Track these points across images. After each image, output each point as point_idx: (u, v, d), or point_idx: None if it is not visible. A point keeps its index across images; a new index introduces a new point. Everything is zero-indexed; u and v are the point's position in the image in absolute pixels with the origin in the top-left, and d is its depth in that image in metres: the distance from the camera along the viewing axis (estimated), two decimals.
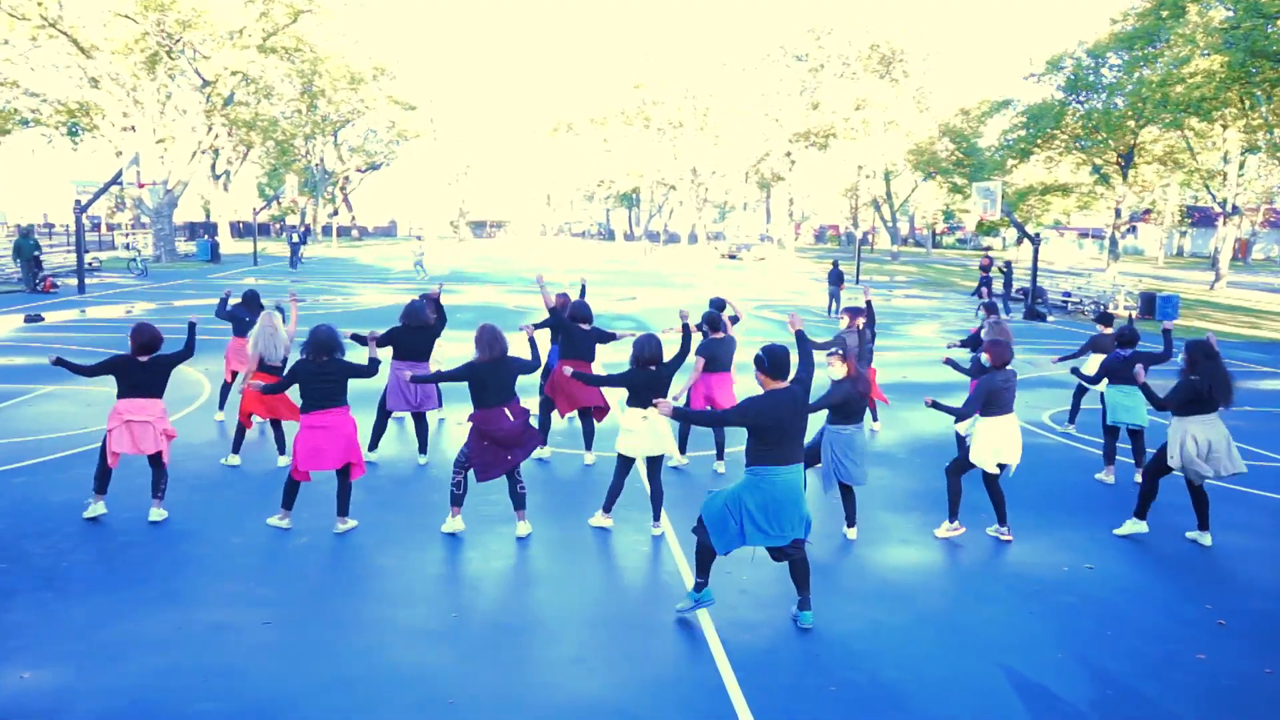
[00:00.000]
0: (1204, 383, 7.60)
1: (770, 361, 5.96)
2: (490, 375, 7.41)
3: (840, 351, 7.71)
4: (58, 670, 5.38)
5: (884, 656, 5.84)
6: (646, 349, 7.65)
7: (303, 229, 50.28)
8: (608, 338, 10.06)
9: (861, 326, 9.90)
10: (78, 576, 6.67)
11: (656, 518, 7.89)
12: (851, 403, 7.64)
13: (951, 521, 7.95)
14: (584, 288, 11.73)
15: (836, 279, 26.38)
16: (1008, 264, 30.30)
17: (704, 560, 6.17)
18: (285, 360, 9.24)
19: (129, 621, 6.00)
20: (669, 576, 7.07)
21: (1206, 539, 7.94)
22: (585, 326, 9.80)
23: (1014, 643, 6.08)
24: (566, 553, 7.47)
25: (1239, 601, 6.81)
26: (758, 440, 5.91)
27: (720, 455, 9.85)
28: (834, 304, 26.18)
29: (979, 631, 6.23)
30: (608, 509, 7.93)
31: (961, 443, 8.75)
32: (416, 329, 9.70)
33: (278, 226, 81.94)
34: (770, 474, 5.89)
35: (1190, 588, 7.08)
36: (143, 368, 7.71)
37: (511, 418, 7.44)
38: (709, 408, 9.38)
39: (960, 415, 7.90)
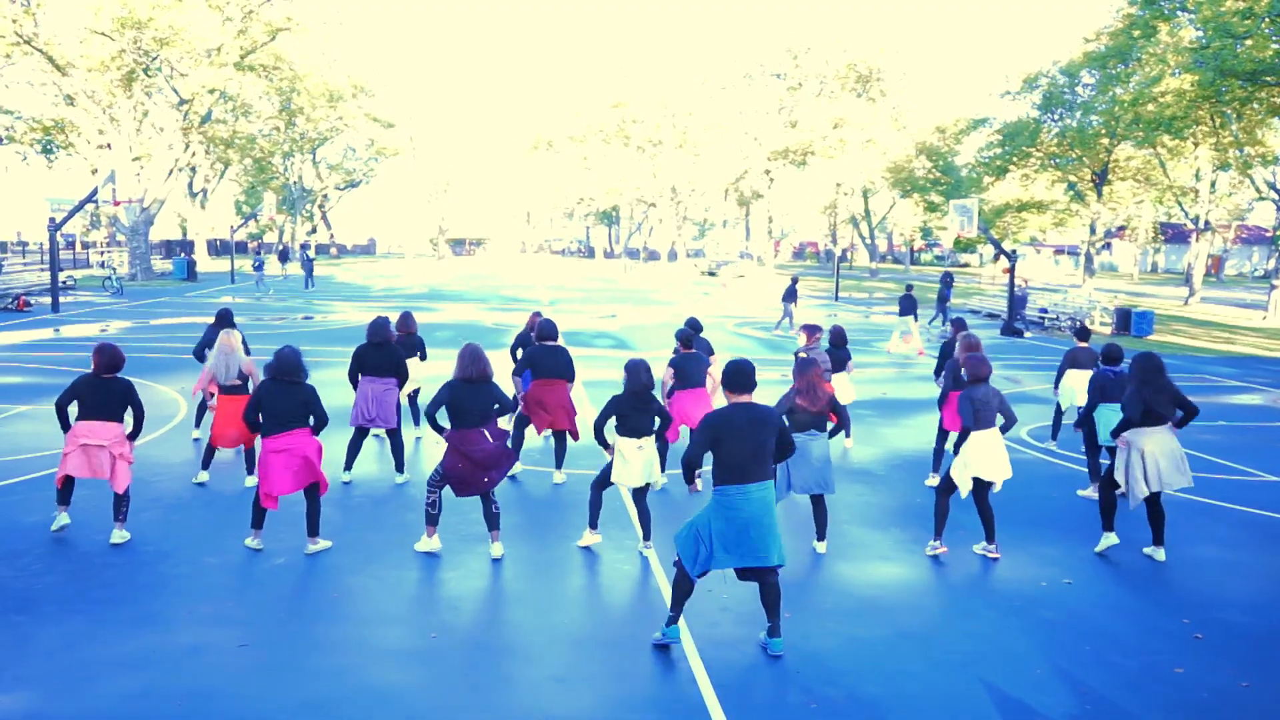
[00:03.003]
0: (1147, 394, 7.76)
1: (728, 375, 5.98)
2: (469, 396, 7.36)
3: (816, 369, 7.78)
4: (29, 694, 5.29)
5: (863, 673, 5.84)
6: (639, 377, 7.61)
7: (300, 246, 50.46)
8: (569, 369, 9.77)
9: (819, 344, 10.06)
10: (50, 598, 6.57)
11: (647, 537, 7.86)
12: (796, 411, 7.69)
13: (936, 539, 7.95)
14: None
15: (790, 296, 26.55)
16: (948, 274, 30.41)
17: (679, 594, 6.06)
18: (245, 379, 9.17)
19: (103, 643, 5.91)
20: (649, 595, 7.05)
21: (1160, 554, 7.98)
22: (550, 344, 9.77)
23: (993, 657, 6.09)
24: (545, 572, 7.43)
25: (1215, 615, 6.86)
26: (717, 458, 5.90)
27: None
28: (786, 319, 26.25)
29: (958, 647, 6.24)
30: (593, 525, 7.87)
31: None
32: (379, 345, 9.69)
33: (255, 245, 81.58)
34: (733, 493, 5.83)
35: (1167, 602, 7.13)
36: (104, 387, 7.57)
37: (491, 439, 7.40)
38: (684, 426, 9.59)
39: (963, 434, 7.85)
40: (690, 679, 5.70)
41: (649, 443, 7.64)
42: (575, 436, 9.75)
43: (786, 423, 6.04)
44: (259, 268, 38.52)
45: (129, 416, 7.75)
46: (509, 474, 9.85)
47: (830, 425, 7.97)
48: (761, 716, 5.29)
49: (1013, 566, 7.75)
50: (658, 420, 7.74)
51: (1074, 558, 7.98)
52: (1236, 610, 6.97)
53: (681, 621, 6.35)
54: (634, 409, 7.60)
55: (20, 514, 8.31)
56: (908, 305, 23.23)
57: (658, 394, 8.61)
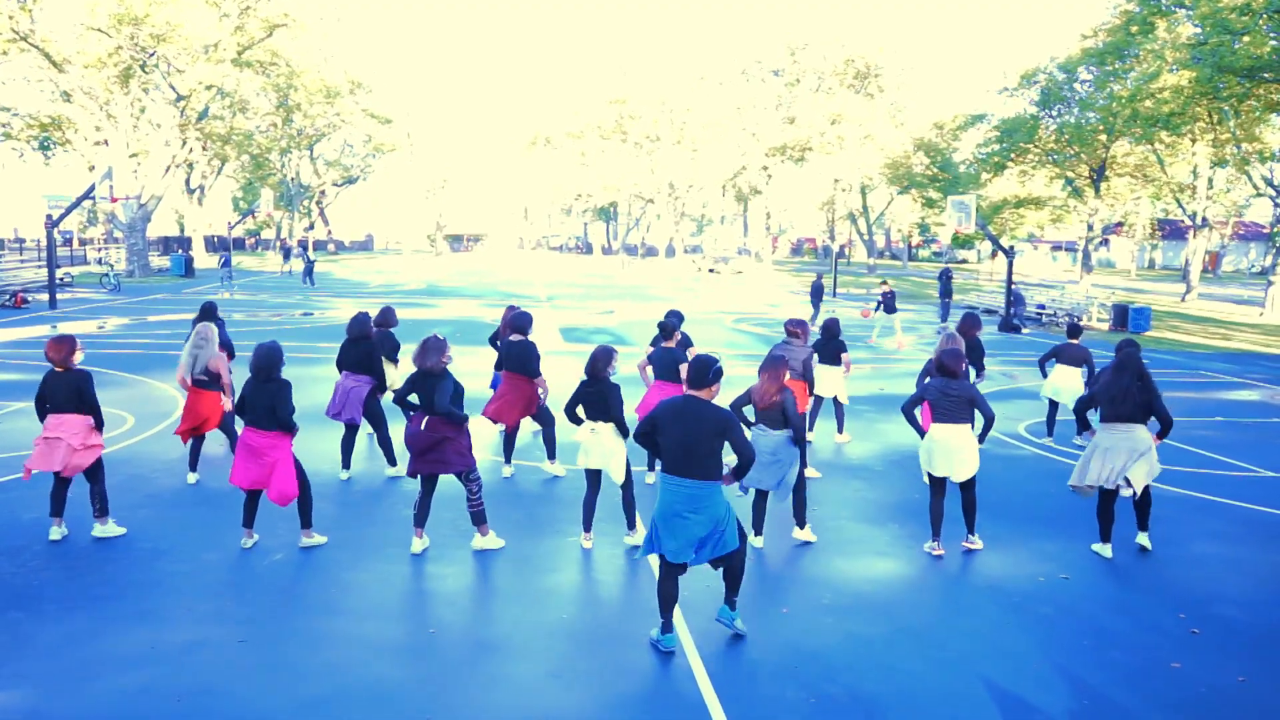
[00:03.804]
0: (1116, 385, 7.80)
1: (689, 369, 6.01)
2: (419, 383, 7.46)
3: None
4: (28, 691, 5.29)
5: (862, 669, 5.85)
6: (591, 363, 7.73)
7: (298, 243, 50.79)
8: (530, 363, 9.61)
9: (804, 339, 10.09)
10: (49, 595, 6.57)
11: (630, 526, 7.90)
12: (749, 405, 7.73)
13: (933, 539, 7.96)
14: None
15: (818, 293, 26.59)
16: (946, 270, 30.48)
17: (662, 599, 6.02)
18: (209, 374, 9.13)
19: (102, 641, 5.92)
20: (645, 589, 7.05)
21: (1144, 539, 8.06)
22: (515, 338, 9.72)
23: (992, 654, 6.10)
24: (541, 567, 7.44)
25: (1211, 610, 6.87)
26: (660, 446, 5.93)
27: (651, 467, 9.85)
28: (815, 316, 26.35)
29: (957, 642, 6.25)
30: (586, 528, 7.89)
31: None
32: (357, 340, 9.74)
33: (252, 240, 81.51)
34: (664, 481, 5.90)
35: (1164, 597, 7.14)
36: (60, 381, 7.51)
37: (423, 428, 7.37)
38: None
39: (907, 402, 8.01)
40: (689, 675, 5.70)
41: (603, 428, 7.69)
42: (513, 428, 9.80)
43: (744, 431, 5.91)
44: (225, 263, 38.71)
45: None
46: (505, 476, 9.87)
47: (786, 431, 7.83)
48: (760, 713, 5.30)
49: (1010, 562, 7.76)
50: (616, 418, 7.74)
51: (1071, 554, 7.99)
52: (1233, 605, 6.98)
53: (680, 616, 6.37)
54: (588, 394, 7.73)
55: (19, 510, 8.31)
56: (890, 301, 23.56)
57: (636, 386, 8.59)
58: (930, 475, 7.98)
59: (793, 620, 6.45)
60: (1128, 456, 7.69)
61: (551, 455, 9.97)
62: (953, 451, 7.74)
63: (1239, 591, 7.28)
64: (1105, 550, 7.96)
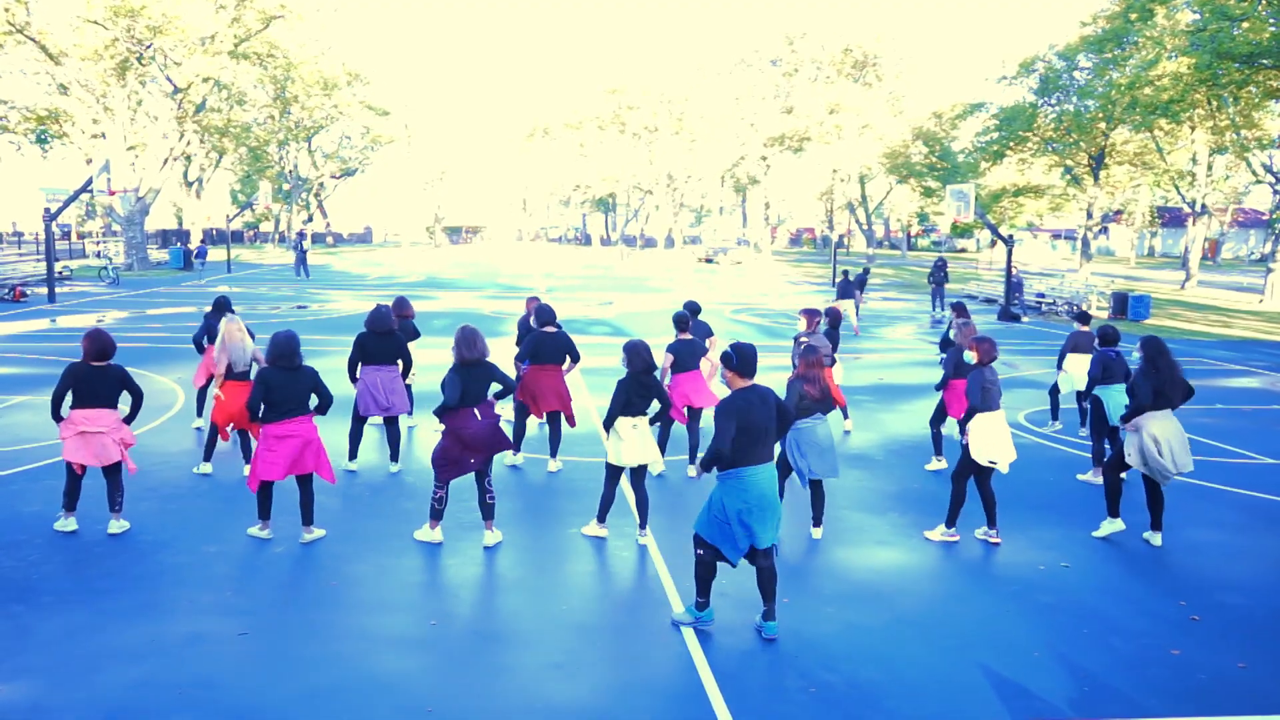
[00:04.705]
0: (1161, 379, 7.75)
1: (739, 359, 5.99)
2: (468, 379, 7.31)
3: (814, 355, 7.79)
4: (30, 685, 5.30)
5: (862, 657, 5.86)
6: (640, 357, 7.58)
7: (299, 234, 50.85)
8: (573, 350, 9.72)
9: (819, 328, 10.28)
10: (50, 588, 6.58)
11: (643, 526, 7.84)
12: (803, 398, 7.69)
13: (949, 527, 7.95)
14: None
15: (860, 283, 26.62)
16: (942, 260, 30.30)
17: (704, 578, 6.10)
18: (251, 366, 9.18)
19: (103, 633, 5.92)
20: (648, 581, 7.07)
21: (1157, 539, 7.99)
22: (550, 329, 9.73)
23: (992, 642, 6.11)
24: (544, 559, 7.45)
25: (1211, 597, 6.89)
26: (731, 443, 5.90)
27: (693, 459, 9.84)
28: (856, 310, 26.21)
29: (957, 631, 6.26)
30: (601, 519, 7.86)
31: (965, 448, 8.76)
32: (383, 334, 9.69)
33: (251, 233, 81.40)
34: (746, 474, 5.88)
35: (1164, 584, 7.15)
36: (99, 375, 7.49)
37: (480, 418, 7.35)
38: (686, 409, 9.70)
39: (970, 413, 7.84)
40: (689, 665, 5.72)
41: (643, 422, 7.67)
42: (571, 423, 9.69)
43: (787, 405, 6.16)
44: (201, 254, 38.78)
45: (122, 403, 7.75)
46: (512, 464, 9.89)
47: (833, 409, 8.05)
48: (760, 702, 5.31)
49: (1011, 551, 7.77)
50: (656, 402, 7.75)
51: (1072, 541, 8.00)
52: (1233, 592, 6.99)
53: (680, 609, 6.38)
54: (637, 391, 7.59)
55: (20, 504, 8.31)
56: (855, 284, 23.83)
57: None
58: (978, 466, 7.81)
59: (793, 609, 6.46)
60: (1181, 441, 7.77)
61: (555, 452, 9.94)
62: (1003, 438, 7.78)
63: (1239, 578, 7.29)
64: (1119, 524, 8.04)
